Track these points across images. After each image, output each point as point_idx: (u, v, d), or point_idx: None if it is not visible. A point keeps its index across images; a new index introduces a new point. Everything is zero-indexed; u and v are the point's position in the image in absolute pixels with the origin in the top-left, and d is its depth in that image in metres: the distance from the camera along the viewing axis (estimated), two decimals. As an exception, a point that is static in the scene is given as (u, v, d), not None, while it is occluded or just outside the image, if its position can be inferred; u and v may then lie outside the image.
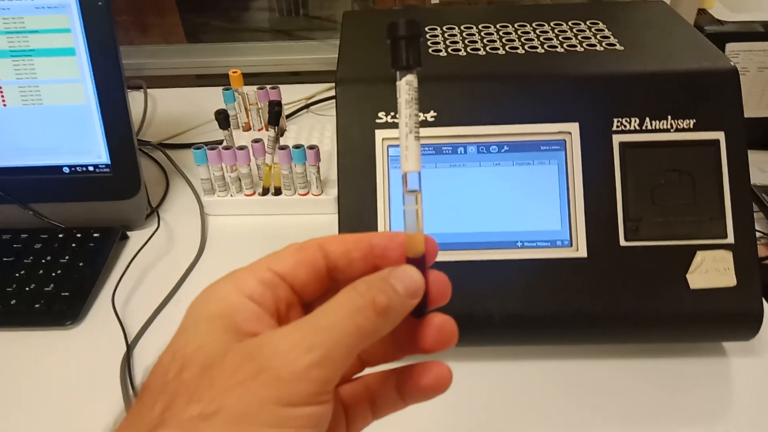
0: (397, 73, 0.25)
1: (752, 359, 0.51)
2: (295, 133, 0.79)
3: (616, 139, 0.50)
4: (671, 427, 0.47)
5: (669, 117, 0.49)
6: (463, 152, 0.51)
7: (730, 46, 0.86)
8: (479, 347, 0.53)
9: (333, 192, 0.68)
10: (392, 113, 0.51)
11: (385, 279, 0.25)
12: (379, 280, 0.25)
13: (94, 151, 0.65)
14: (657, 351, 0.52)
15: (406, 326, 0.26)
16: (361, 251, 0.27)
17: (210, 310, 0.24)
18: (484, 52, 0.56)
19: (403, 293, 0.25)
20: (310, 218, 0.69)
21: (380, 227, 0.50)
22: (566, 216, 0.49)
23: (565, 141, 0.50)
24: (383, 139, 0.51)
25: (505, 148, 0.51)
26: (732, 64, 0.51)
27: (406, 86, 0.25)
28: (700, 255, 0.48)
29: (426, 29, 0.61)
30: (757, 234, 0.94)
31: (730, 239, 0.48)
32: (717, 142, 0.49)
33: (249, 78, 0.78)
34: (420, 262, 0.26)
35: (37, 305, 0.57)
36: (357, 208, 0.51)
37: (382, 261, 0.27)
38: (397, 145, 0.51)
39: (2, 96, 0.65)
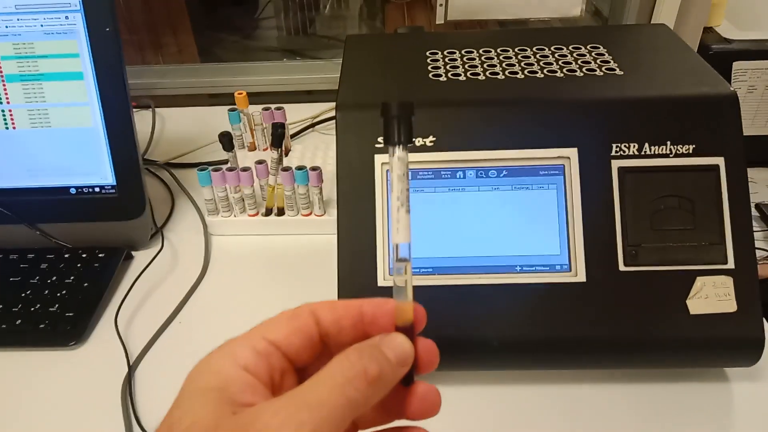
0: (390, 148, 0.27)
1: (754, 384, 0.51)
2: (299, 152, 0.80)
3: (615, 164, 0.50)
4: (671, 455, 0.46)
5: (668, 142, 0.49)
6: (462, 177, 0.51)
7: (738, 65, 0.86)
8: (478, 371, 0.53)
9: (335, 212, 0.68)
10: (391, 138, 0.52)
11: (376, 347, 0.26)
12: (370, 347, 0.26)
13: (101, 173, 0.67)
14: (657, 376, 0.51)
15: (394, 393, 0.27)
16: (351, 319, 0.28)
17: (205, 382, 0.25)
18: (484, 77, 0.56)
19: (394, 361, 0.26)
20: (313, 238, 0.69)
21: (379, 251, 0.50)
22: (565, 241, 0.49)
23: (563, 166, 0.50)
24: (383, 163, 0.51)
25: (504, 172, 0.51)
26: (732, 89, 0.50)
27: (399, 162, 0.26)
28: (700, 281, 0.48)
29: (427, 53, 0.62)
30: (765, 253, 0.94)
31: (731, 264, 0.48)
32: (717, 167, 0.49)
33: (259, 96, 0.79)
34: (409, 330, 0.27)
35: (41, 325, 0.58)
36: (356, 232, 0.51)
37: (371, 328, 0.28)
38: (397, 169, 0.51)
39: (12, 119, 0.66)
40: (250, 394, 0.25)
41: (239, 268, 0.66)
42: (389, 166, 0.27)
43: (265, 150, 0.80)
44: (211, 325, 0.59)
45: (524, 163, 0.51)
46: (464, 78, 0.56)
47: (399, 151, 0.27)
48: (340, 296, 0.50)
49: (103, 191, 0.67)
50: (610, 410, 0.49)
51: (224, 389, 0.24)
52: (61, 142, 0.66)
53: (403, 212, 0.27)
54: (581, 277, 0.49)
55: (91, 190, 0.67)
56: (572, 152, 0.50)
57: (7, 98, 0.65)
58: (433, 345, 0.28)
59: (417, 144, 0.51)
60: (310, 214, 0.69)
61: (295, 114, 0.87)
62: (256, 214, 0.69)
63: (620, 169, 0.50)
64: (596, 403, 0.50)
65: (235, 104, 0.77)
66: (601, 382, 0.51)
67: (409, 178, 0.52)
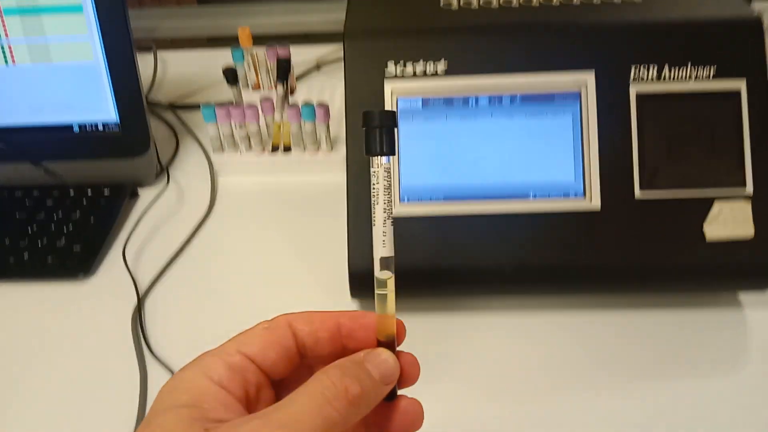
0: (373, 159, 0.26)
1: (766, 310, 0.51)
2: (305, 93, 0.78)
3: (634, 89, 0.48)
4: (686, 377, 0.46)
5: (689, 64, 0.48)
6: (474, 104, 0.50)
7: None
8: (490, 299, 0.52)
9: (344, 150, 0.67)
10: (402, 63, 0.50)
11: (359, 363, 0.25)
12: (353, 365, 0.25)
13: (104, 110, 0.65)
14: (671, 302, 0.51)
15: (376, 407, 0.26)
16: (328, 331, 0.27)
17: (177, 398, 0.24)
18: (497, 5, 0.54)
19: (378, 379, 0.25)
20: (320, 178, 0.68)
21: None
22: (580, 167, 0.48)
23: (580, 92, 0.49)
24: (392, 91, 0.50)
25: (518, 99, 0.50)
26: (755, 14, 0.49)
27: (385, 173, 0.26)
28: (717, 206, 0.47)
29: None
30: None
31: (749, 190, 0.47)
32: (738, 91, 0.48)
33: (261, 40, 0.77)
34: (391, 345, 0.27)
35: (49, 259, 0.58)
36: (366, 163, 0.50)
37: (349, 341, 0.27)
38: (407, 98, 0.50)
39: (12, 54, 0.64)
40: (224, 410, 0.24)
41: (246, 207, 0.65)
42: (374, 177, 0.26)
43: (270, 90, 0.78)
44: (219, 260, 0.59)
45: (539, 89, 0.49)
46: (476, 6, 0.55)
47: (384, 161, 0.26)
48: (349, 233, 0.49)
49: (107, 128, 0.66)
50: (623, 336, 0.49)
51: (196, 406, 0.23)
52: (62, 77, 0.65)
53: (389, 224, 0.26)
54: (596, 204, 0.48)
55: (94, 127, 0.66)
56: (589, 76, 0.49)
57: (5, 32, 0.63)
58: (414, 358, 0.28)
59: (428, 72, 0.50)
60: (318, 151, 0.68)
61: (299, 56, 0.85)
62: (263, 151, 0.68)
63: (639, 95, 0.48)
64: (609, 330, 0.50)
65: (237, 44, 0.75)
66: (613, 309, 0.51)
67: (420, 106, 0.51)
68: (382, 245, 0.26)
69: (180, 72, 0.89)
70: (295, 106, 0.64)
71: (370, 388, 0.24)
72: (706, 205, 0.47)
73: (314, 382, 0.24)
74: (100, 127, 0.65)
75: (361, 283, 0.50)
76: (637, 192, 0.48)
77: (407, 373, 0.27)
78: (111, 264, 0.59)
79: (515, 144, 0.49)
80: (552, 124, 0.49)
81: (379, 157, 0.25)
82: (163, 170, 0.70)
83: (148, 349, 0.50)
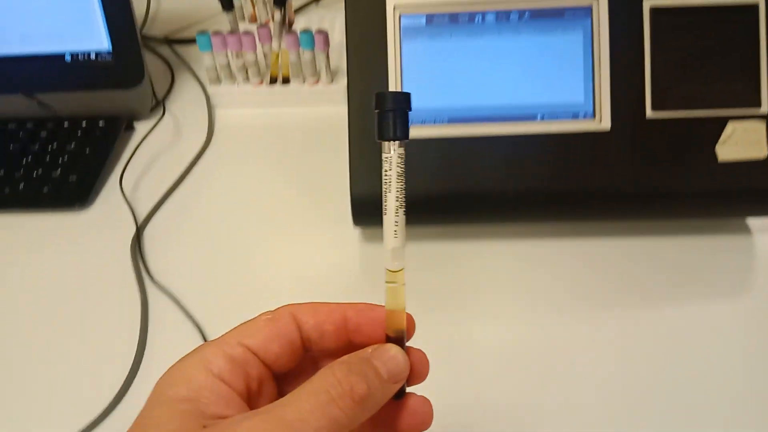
0: (386, 144, 0.24)
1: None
2: (303, 25, 0.75)
3: (647, 3, 0.46)
4: (694, 301, 0.46)
5: (705, -25, 0.46)
6: (480, 21, 0.48)
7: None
8: (496, 226, 0.51)
9: (344, 81, 0.65)
10: (406, -23, 0.48)
11: (367, 361, 0.24)
12: (360, 362, 0.23)
13: (96, 38, 0.63)
14: (679, 229, 0.50)
15: (384, 406, 0.24)
16: (334, 324, 0.26)
17: (174, 392, 0.23)
18: None
19: (386, 377, 0.23)
20: (320, 111, 0.66)
21: (393, 101, 0.48)
22: (590, 87, 0.47)
23: (591, 7, 0.47)
24: (395, 7, 0.48)
25: (526, 15, 0.47)
26: None
27: (399, 159, 0.24)
28: (730, 126, 0.46)
29: None
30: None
31: (764, 109, 0.45)
32: (756, 4, 0.46)
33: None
34: (400, 340, 0.25)
35: (45, 189, 0.56)
36: (367, 83, 0.48)
37: (355, 335, 0.26)
38: (411, 14, 0.48)
39: (-2, -21, 0.62)
40: (224, 405, 0.22)
41: (244, 139, 0.64)
42: (386, 163, 0.24)
43: (266, 22, 0.75)
44: (217, 191, 0.58)
45: (548, 3, 0.47)
46: None
47: (397, 147, 0.24)
48: (351, 159, 0.48)
49: (99, 57, 0.63)
50: (630, 262, 0.49)
51: (195, 400, 0.22)
52: (52, 4, 0.62)
53: (401, 214, 0.24)
54: (606, 125, 0.46)
55: (86, 56, 0.64)
56: (601, -10, 0.46)
57: (-9, -44, 0.61)
58: (424, 355, 0.26)
59: (432, -11, 0.48)
60: (317, 82, 0.66)
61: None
62: (261, 83, 0.66)
63: (653, 9, 0.46)
64: (618, 256, 0.49)
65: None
66: (621, 235, 0.50)
67: (424, 24, 0.49)
68: (394, 236, 0.24)
69: (175, 5, 0.86)
70: (293, 33, 0.62)
71: (377, 386, 0.23)
72: (719, 125, 0.46)
73: (319, 379, 0.22)
74: (93, 56, 0.63)
75: (364, 209, 0.49)
76: (649, 112, 0.46)
77: (416, 371, 0.26)
78: (108, 194, 0.58)
79: (523, 63, 0.47)
80: (562, 42, 0.47)
81: (392, 142, 0.24)
82: (159, 104, 0.68)
83: (148, 275, 0.50)
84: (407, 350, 0.25)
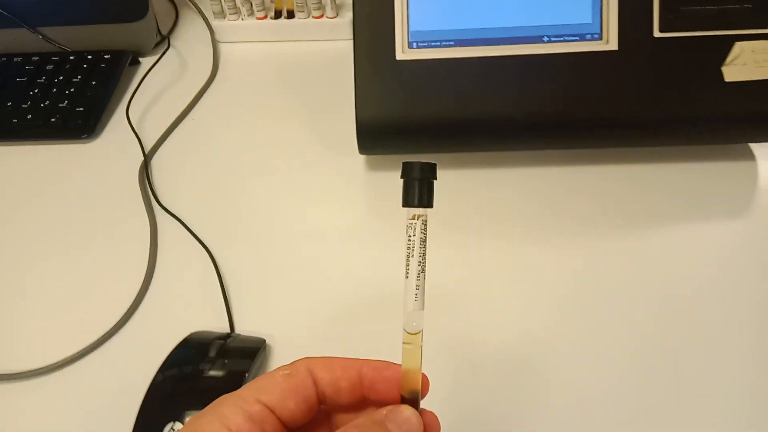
0: (412, 210, 0.25)
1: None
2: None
3: None
4: (696, 224, 0.46)
5: None
6: (487, -59, 0.47)
7: None
8: (501, 152, 0.52)
9: (349, 15, 0.65)
10: None
11: (381, 424, 0.24)
12: (373, 426, 0.24)
13: (98, -31, 0.62)
14: (684, 155, 0.50)
15: None
16: (349, 381, 0.26)
17: None
18: None
19: None
20: (326, 44, 0.66)
21: (397, 23, 0.47)
22: (598, 6, 0.46)
23: (600, -75, 0.46)
24: (401, -73, 0.47)
25: (534, -65, 0.47)
26: None
27: (422, 225, 0.25)
28: (738, 46, 0.45)
29: None
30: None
31: (773, 28, 0.45)
32: None
33: None
34: (415, 401, 0.25)
35: (53, 119, 0.57)
36: (373, 6, 0.48)
37: (369, 392, 0.26)
38: (417, -64, 0.47)
39: None
40: None
41: (250, 74, 0.64)
42: (410, 229, 0.25)
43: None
44: (224, 123, 0.58)
45: None
46: None
47: (422, 213, 0.25)
48: (356, 86, 0.48)
49: (103, -11, 0.63)
50: (635, 188, 0.49)
51: None
52: (53, -66, 0.61)
53: (422, 278, 0.25)
54: (613, 45, 0.46)
55: (89, -12, 0.63)
56: None
57: None
58: (435, 417, 0.26)
59: None
60: (322, 16, 0.65)
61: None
62: (265, 17, 0.66)
63: (662, -73, 0.45)
64: (620, 183, 0.49)
65: None
66: (627, 162, 0.50)
67: None
68: (414, 299, 0.25)
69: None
70: (298, -37, 0.61)
71: None
72: (728, 44, 0.45)
73: None
74: (96, -11, 0.63)
75: (369, 136, 0.49)
76: (657, 32, 0.46)
77: None
78: (115, 126, 0.58)
79: (530, -17, 0.47)
80: (569, -39, 0.46)
81: (417, 209, 0.25)
82: (163, 39, 0.68)
83: (156, 200, 0.50)
84: (420, 412, 0.26)
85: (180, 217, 0.49)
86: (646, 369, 0.38)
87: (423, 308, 0.25)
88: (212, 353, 0.38)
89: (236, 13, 0.66)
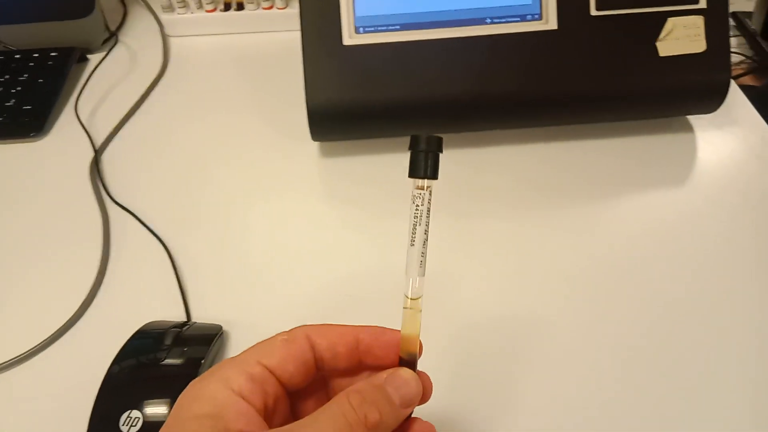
0: (420, 181, 0.26)
1: (716, 132, 0.52)
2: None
3: None
4: (640, 194, 0.48)
5: None
6: (428, -74, 0.48)
7: None
8: (445, 134, 0.52)
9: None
10: None
11: (380, 388, 0.25)
12: (373, 390, 0.25)
13: (41, -35, 0.61)
14: (624, 130, 0.52)
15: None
16: (347, 346, 0.27)
17: (198, 409, 0.24)
18: None
19: (398, 403, 0.25)
20: (276, 35, 0.66)
21: (343, 11, 0.48)
22: (536, -12, 0.48)
23: None
24: None
25: None
26: None
27: (429, 196, 0.26)
28: (671, 21, 0.47)
29: None
30: (739, 57, 0.93)
31: (702, 4, 0.47)
32: None
33: None
34: (412, 364, 0.26)
35: (0, 119, 0.56)
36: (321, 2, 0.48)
37: (366, 357, 0.27)
38: None
39: None
40: (245, 422, 0.23)
41: (200, 67, 0.64)
42: (417, 199, 0.26)
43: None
44: (176, 117, 0.58)
45: None
46: None
47: (429, 184, 0.26)
48: (306, 71, 0.48)
49: (47, -14, 0.62)
50: (579, 163, 0.50)
51: (218, 416, 0.23)
52: (-9, -70, 0.60)
53: (427, 246, 0.26)
54: (552, 25, 0.47)
55: (33, -15, 0.62)
56: None
57: None
58: (428, 378, 0.27)
59: None
60: (272, 7, 0.65)
61: None
62: (214, 9, 0.65)
63: None
64: (565, 158, 0.51)
65: None
66: (569, 138, 0.52)
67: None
68: (419, 265, 0.26)
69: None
70: (244, -46, 0.61)
71: (389, 413, 0.24)
72: (661, 20, 0.47)
73: (337, 404, 0.24)
74: (39, -15, 0.62)
75: (321, 122, 0.50)
76: (593, 11, 0.47)
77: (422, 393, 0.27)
78: (64, 123, 0.57)
79: (470, -33, 0.48)
80: (507, -56, 0.47)
81: (424, 180, 0.26)
82: (112, 35, 0.67)
83: (108, 195, 0.50)
84: (417, 373, 0.27)
85: (132, 210, 0.49)
86: (612, 337, 0.40)
87: (424, 275, 0.26)
88: (168, 341, 0.38)
89: (185, 6, 0.65)
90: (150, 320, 0.41)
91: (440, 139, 0.26)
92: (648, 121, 0.52)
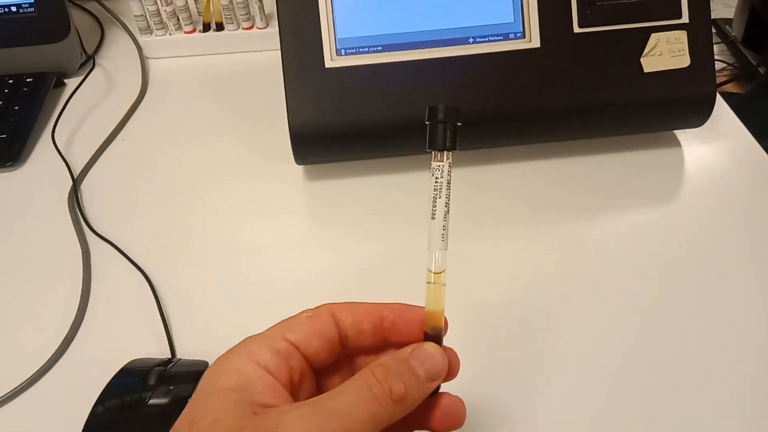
0: (439, 153, 0.25)
1: (703, 147, 0.52)
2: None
3: None
4: (628, 209, 0.47)
5: None
6: (407, -54, 0.47)
7: None
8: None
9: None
10: None
11: (405, 362, 0.25)
12: (397, 363, 0.25)
13: (14, -11, 0.60)
14: (610, 146, 0.52)
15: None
16: (371, 323, 0.27)
17: (224, 382, 0.24)
18: None
19: (423, 376, 0.25)
20: (257, 56, 0.65)
21: (324, 33, 0.47)
22: (519, 6, 0.47)
23: (515, -74, 0.47)
24: (321, -65, 0.47)
25: (453, -62, 0.47)
26: None
27: (449, 167, 0.26)
28: (654, 37, 0.47)
29: None
30: (721, 64, 0.94)
31: (685, 18, 0.47)
32: None
33: None
34: (438, 338, 0.26)
35: (-27, 149, 0.54)
36: (298, 13, 0.47)
37: (391, 333, 0.27)
38: (337, -57, 0.47)
39: None
40: (271, 395, 0.24)
41: (180, 89, 0.62)
42: (437, 171, 0.26)
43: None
44: (157, 142, 0.57)
45: (473, -75, 0.47)
46: None
47: (449, 156, 0.26)
48: (287, 94, 0.47)
49: (21, 10, 0.61)
50: (565, 181, 0.50)
51: (244, 389, 0.23)
52: (-39, -45, 0.59)
53: (448, 219, 0.26)
54: (535, 43, 0.47)
55: (7, 9, 0.61)
56: None
57: None
58: (455, 354, 0.27)
59: None
60: (252, 27, 0.65)
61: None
62: (193, 30, 0.64)
63: (574, -74, 0.47)
64: (551, 177, 0.50)
65: None
66: (555, 156, 0.52)
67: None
68: (441, 239, 0.26)
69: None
70: (222, -26, 0.60)
71: (414, 387, 0.24)
72: (644, 36, 0.47)
73: (362, 377, 0.24)
74: (14, 9, 0.60)
75: (304, 145, 0.49)
76: (576, 28, 0.47)
77: (449, 369, 0.27)
78: (41, 151, 0.56)
79: (451, -14, 0.47)
80: (488, -38, 0.47)
81: (444, 151, 0.25)
82: (89, 58, 0.66)
83: (88, 226, 0.49)
84: (443, 348, 0.26)
85: (113, 242, 0.47)
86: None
87: (447, 248, 0.26)
88: (152, 381, 0.37)
89: (163, 28, 0.64)
90: (133, 357, 0.40)
91: (458, 109, 0.26)
92: (633, 136, 0.52)
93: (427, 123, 0.26)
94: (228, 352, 0.25)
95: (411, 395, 0.24)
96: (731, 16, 0.94)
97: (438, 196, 0.26)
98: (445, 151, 0.25)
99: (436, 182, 0.26)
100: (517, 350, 0.40)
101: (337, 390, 0.24)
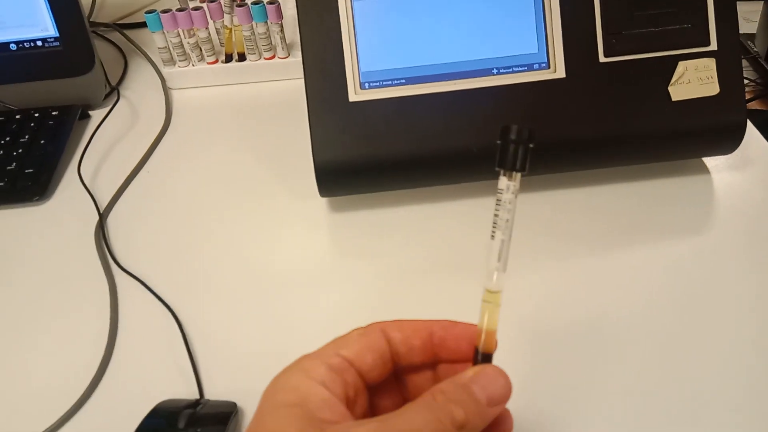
0: (509, 173, 0.25)
1: (733, 174, 0.51)
2: (256, 0, 0.74)
3: (593, -52, 0.46)
4: (657, 241, 0.47)
5: None
6: (430, -22, 0.47)
7: None
8: (458, 184, 0.52)
9: (300, 55, 0.64)
10: (351, -62, 0.47)
11: (465, 387, 0.24)
12: (457, 389, 0.24)
13: (40, 24, 0.61)
14: (640, 173, 0.51)
15: None
16: (421, 339, 0.27)
17: (283, 398, 0.24)
18: None
19: (484, 403, 0.24)
20: (279, 84, 0.66)
21: (348, 66, 0.47)
22: (543, 37, 0.47)
23: (538, -43, 0.47)
24: (344, -31, 0.47)
25: (475, -31, 0.47)
26: None
27: (515, 189, 0.25)
28: (682, 65, 0.46)
29: None
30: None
31: (713, 46, 0.46)
32: (700, -57, 0.46)
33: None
34: (489, 358, 0.26)
35: (1, 184, 0.55)
36: (322, 47, 0.48)
37: (440, 350, 0.27)
38: (360, -23, 0.48)
39: (-70, -30, 0.59)
40: (329, 410, 0.24)
41: (204, 119, 0.63)
42: (506, 192, 0.26)
43: (218, 0, 0.74)
44: (181, 173, 0.57)
45: (496, -44, 0.47)
46: None
47: (517, 177, 0.26)
48: (312, 128, 0.47)
49: (46, 44, 0.62)
50: (593, 210, 0.49)
51: (303, 405, 0.24)
52: (-10, -8, 0.60)
53: (508, 239, 0.26)
54: (560, 73, 0.47)
55: (33, 44, 0.62)
56: (547, -61, 0.46)
57: None
58: (508, 378, 0.26)
59: (380, -50, 0.47)
60: (274, 57, 0.65)
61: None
62: (216, 61, 0.65)
63: (599, -45, 0.46)
64: (581, 203, 0.50)
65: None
66: (584, 184, 0.51)
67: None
68: (498, 259, 0.26)
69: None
70: (244, 5, 0.61)
71: (474, 413, 0.24)
72: (672, 64, 0.46)
73: (422, 401, 0.24)
74: (39, 44, 0.61)
75: (329, 179, 0.49)
76: (602, 58, 0.46)
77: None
78: (67, 184, 0.57)
79: (474, 17, 0.47)
80: (512, -7, 0.47)
81: (514, 172, 0.25)
82: (113, 90, 0.66)
83: (115, 261, 0.49)
84: None
85: (140, 277, 0.48)
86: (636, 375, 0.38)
87: (505, 270, 0.26)
88: (181, 424, 0.37)
89: (186, 59, 0.65)
90: (161, 396, 0.40)
91: (532, 131, 0.26)
92: (661, 164, 0.51)
93: (498, 142, 0.26)
94: (283, 370, 0.26)
95: (472, 422, 0.24)
96: (754, 32, 0.93)
97: (501, 215, 0.26)
98: (515, 172, 0.25)
99: (499, 201, 0.26)
100: (552, 375, 0.39)
101: (401, 410, 0.24)
